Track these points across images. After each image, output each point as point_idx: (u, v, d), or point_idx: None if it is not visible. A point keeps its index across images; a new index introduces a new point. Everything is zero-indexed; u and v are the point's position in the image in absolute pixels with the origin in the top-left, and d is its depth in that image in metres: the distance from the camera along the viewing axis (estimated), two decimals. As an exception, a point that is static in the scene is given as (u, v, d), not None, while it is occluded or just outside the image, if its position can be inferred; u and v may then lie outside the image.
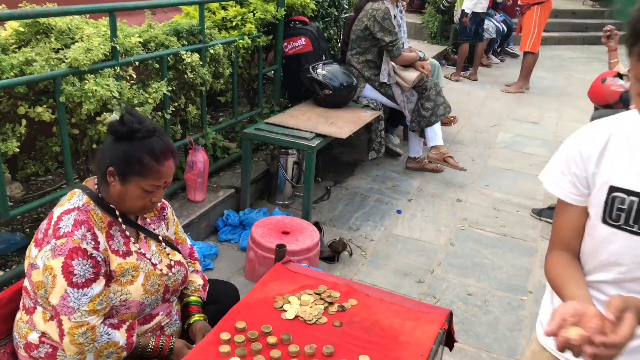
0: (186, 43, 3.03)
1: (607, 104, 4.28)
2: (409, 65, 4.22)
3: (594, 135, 1.18)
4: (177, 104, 3.01)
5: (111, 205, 1.64)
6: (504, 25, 8.73)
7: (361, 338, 1.60)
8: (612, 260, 1.18)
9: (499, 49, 9.14)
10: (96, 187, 1.66)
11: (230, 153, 3.68)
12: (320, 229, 3.13)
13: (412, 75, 4.14)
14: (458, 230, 3.53)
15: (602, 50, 5.94)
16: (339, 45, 4.72)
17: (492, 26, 8.37)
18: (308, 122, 3.44)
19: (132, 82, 2.66)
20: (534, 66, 7.18)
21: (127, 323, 1.63)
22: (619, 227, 1.15)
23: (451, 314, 1.77)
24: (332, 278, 1.94)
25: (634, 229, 1.13)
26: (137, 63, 2.68)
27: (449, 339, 1.79)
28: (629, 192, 1.12)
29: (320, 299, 1.77)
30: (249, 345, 1.50)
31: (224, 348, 1.47)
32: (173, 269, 1.77)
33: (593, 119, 4.26)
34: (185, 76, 2.94)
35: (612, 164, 1.15)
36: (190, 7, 3.44)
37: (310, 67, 3.79)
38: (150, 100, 2.65)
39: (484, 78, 7.73)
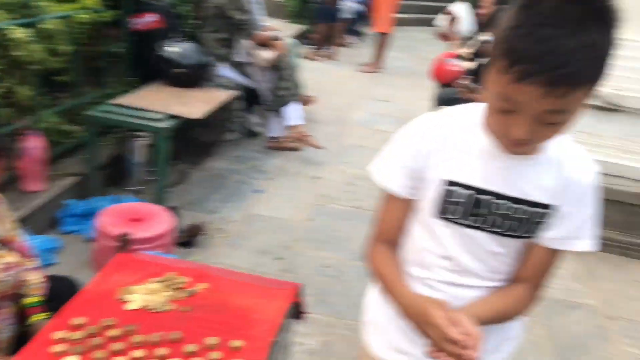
0: (18, 17, 2.74)
1: (448, 83, 4.63)
2: (265, 44, 4.21)
3: (429, 129, 1.16)
4: (6, 84, 2.71)
5: None
6: (361, 6, 9.04)
7: (210, 320, 1.58)
8: (447, 254, 1.18)
9: (356, 30, 9.45)
10: None
11: (73, 136, 3.40)
12: (176, 214, 3.03)
13: (268, 54, 4.14)
14: (316, 207, 3.63)
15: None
16: (191, 23, 4.55)
17: (349, 6, 8.63)
18: (159, 102, 3.29)
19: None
20: (387, 46, 7.52)
21: None
22: (453, 222, 1.15)
23: (300, 287, 1.81)
24: (182, 264, 1.89)
25: (468, 223, 1.14)
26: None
27: (299, 312, 1.84)
28: (464, 187, 1.12)
29: (168, 285, 1.72)
30: (89, 341, 1.42)
31: (58, 348, 1.37)
32: (5, 273, 1.61)
33: (437, 97, 4.58)
34: (13, 54, 2.66)
35: (448, 159, 1.13)
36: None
37: (161, 45, 3.62)
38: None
39: (342, 58, 7.96)
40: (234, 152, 4.30)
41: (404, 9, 11.05)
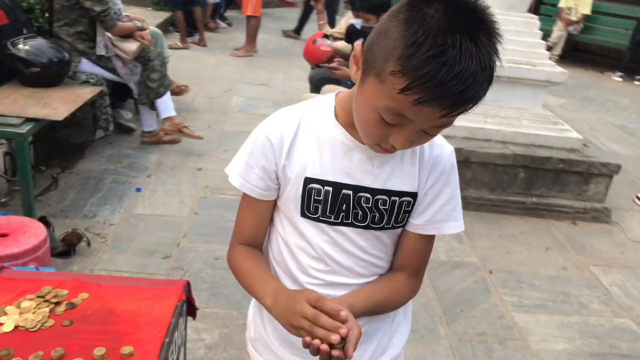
0: None
1: (319, 62, 4.71)
2: (128, 35, 4.00)
3: (282, 125, 1.10)
4: None
5: None
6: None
7: (95, 331, 1.50)
8: (318, 254, 1.14)
9: (224, 13, 9.29)
10: None
11: None
12: (48, 224, 2.83)
13: (132, 46, 3.94)
14: (201, 199, 3.55)
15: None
16: (44, 18, 4.21)
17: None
18: (14, 105, 3.02)
19: None
20: (258, 29, 7.48)
21: None
22: (317, 220, 1.11)
23: (188, 284, 1.77)
24: (58, 276, 1.76)
25: (331, 220, 1.11)
26: None
27: (190, 309, 1.80)
28: (323, 182, 1.08)
29: (45, 301, 1.60)
30: (-44, 374, 1.29)
31: None
32: None
33: (310, 77, 4.65)
34: None
35: (304, 155, 1.08)
36: None
37: (9, 43, 3.31)
38: None
39: (214, 44, 7.80)
40: (107, 151, 4.08)
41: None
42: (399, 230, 1.15)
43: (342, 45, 4.47)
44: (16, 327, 1.47)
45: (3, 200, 3.20)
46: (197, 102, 5.33)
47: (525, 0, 4.29)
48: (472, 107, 0.89)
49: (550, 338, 2.70)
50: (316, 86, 4.34)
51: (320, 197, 1.09)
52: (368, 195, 1.08)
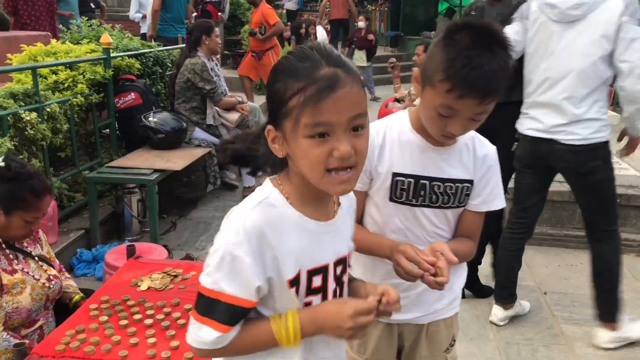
0: (23, 104, 3.40)
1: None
2: (232, 108, 4.92)
3: (375, 134, 1.47)
4: (20, 157, 3.33)
5: None
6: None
7: (201, 293, 2.14)
8: (400, 227, 1.53)
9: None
10: None
11: (75, 201, 4.01)
12: (169, 251, 3.59)
13: (234, 116, 4.85)
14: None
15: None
16: (167, 98, 5.28)
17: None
18: (146, 162, 3.93)
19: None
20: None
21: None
22: (402, 203, 1.50)
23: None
24: (176, 262, 2.46)
25: (412, 202, 1.50)
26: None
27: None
28: (406, 175, 1.47)
29: (167, 275, 2.28)
30: (113, 309, 1.97)
31: (94, 313, 1.92)
32: (52, 282, 2.18)
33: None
34: (26, 132, 3.30)
35: (391, 156, 1.47)
36: (21, 74, 3.80)
37: (142, 116, 4.30)
38: (-5, 155, 2.97)
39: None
40: (215, 203, 4.91)
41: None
42: (461, 209, 1.54)
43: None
44: (149, 288, 2.16)
45: (135, 237, 4.05)
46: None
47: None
48: (498, 97, 1.30)
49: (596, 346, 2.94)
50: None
51: (404, 186, 1.49)
52: (439, 183, 1.49)
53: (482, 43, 1.28)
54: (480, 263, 3.36)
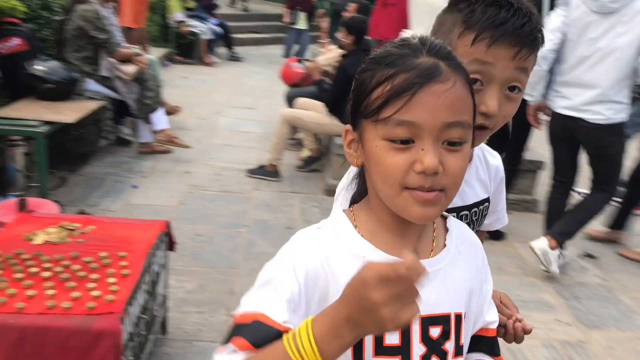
0: None
1: (294, 83, 5.43)
2: (128, 60, 4.71)
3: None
4: None
5: None
6: (219, 28, 9.84)
7: (100, 245, 2.11)
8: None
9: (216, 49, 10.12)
10: None
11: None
12: (60, 206, 3.44)
13: (131, 68, 4.65)
14: (188, 193, 4.19)
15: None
16: (56, 46, 4.93)
17: (206, 28, 9.32)
18: (33, 113, 3.69)
19: None
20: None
21: None
22: None
23: (169, 222, 2.40)
24: (73, 216, 2.40)
25: None
26: None
27: (170, 243, 2.42)
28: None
29: (64, 229, 2.22)
30: (6, 262, 1.90)
31: (-17, 267, 1.85)
32: None
33: (286, 95, 5.35)
34: None
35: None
36: None
37: (29, 65, 4.00)
38: None
39: (205, 76, 8.56)
40: (108, 158, 4.73)
41: (264, 29, 12.10)
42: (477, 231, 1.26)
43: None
44: (45, 242, 2.09)
45: (20, 193, 3.82)
46: (188, 122, 6.01)
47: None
48: (535, 51, 1.02)
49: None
50: (289, 102, 5.05)
51: None
52: (466, 212, 1.19)
53: None
54: None
